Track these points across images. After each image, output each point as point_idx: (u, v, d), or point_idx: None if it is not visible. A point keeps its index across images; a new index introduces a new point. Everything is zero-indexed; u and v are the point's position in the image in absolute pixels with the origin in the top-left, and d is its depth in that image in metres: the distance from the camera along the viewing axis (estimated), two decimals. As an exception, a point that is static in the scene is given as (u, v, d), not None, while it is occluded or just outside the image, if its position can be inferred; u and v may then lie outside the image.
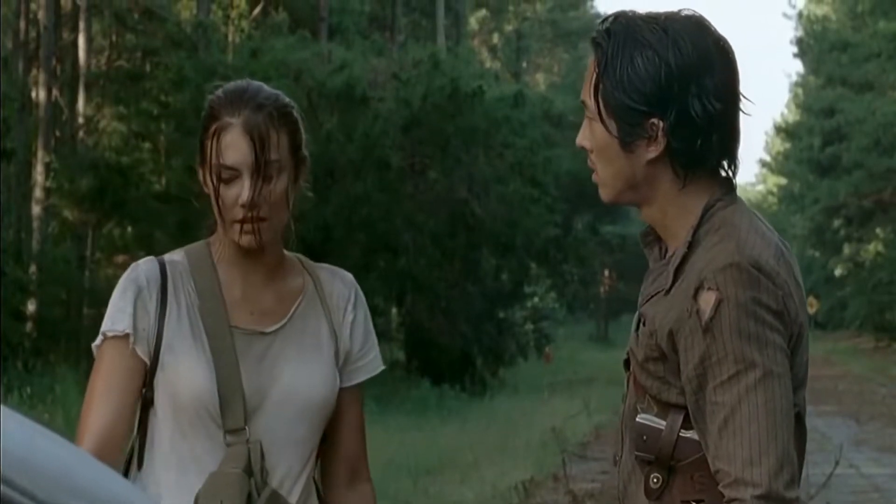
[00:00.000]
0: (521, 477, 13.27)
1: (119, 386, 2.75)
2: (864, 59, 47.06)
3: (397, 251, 26.90)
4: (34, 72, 27.84)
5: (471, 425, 19.10)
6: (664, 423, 2.38)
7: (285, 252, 2.87)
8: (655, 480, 2.39)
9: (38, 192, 25.98)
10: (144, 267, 2.80)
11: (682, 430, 2.37)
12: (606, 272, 55.01)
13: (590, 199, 37.89)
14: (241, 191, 2.72)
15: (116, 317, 2.76)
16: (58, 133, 28.10)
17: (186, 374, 2.73)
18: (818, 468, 11.64)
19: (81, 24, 27.92)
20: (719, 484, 2.31)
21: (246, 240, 2.75)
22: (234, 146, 2.72)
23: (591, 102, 2.42)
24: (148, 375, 2.76)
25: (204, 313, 2.77)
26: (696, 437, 2.36)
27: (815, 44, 54.93)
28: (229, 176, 2.72)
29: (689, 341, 2.32)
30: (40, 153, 26.07)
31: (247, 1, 31.94)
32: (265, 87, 2.80)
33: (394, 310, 32.64)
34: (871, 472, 14.47)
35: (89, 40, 28.23)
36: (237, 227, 2.74)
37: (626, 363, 2.48)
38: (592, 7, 68.44)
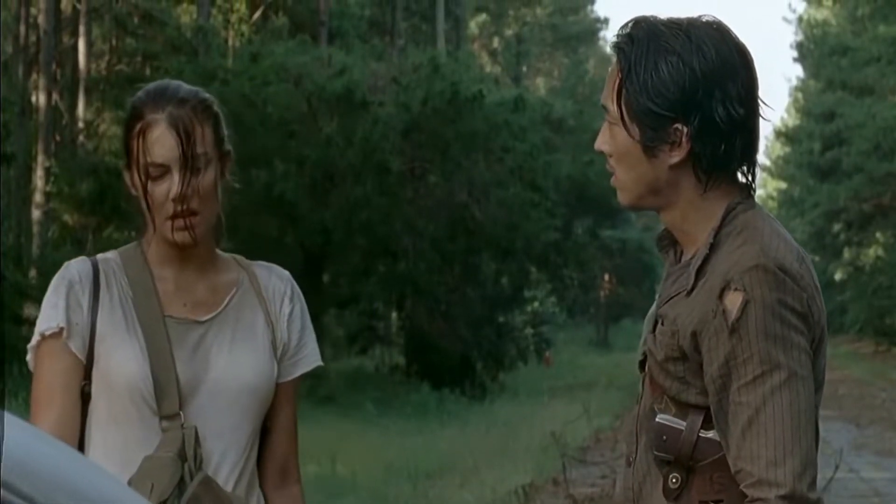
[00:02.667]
0: (521, 481, 13.27)
1: (60, 387, 2.77)
2: (863, 63, 47.07)
3: (397, 255, 26.92)
4: (34, 76, 27.86)
5: (471, 429, 19.10)
6: (684, 423, 2.40)
7: (220, 252, 2.88)
8: (674, 480, 2.41)
9: (38, 197, 25.99)
10: (76, 265, 2.82)
11: (702, 431, 2.39)
12: (606, 276, 54.95)
13: (590, 204, 37.95)
14: (171, 186, 2.73)
15: (50, 314, 2.78)
16: (58, 137, 28.12)
17: (120, 361, 2.74)
18: (818, 472, 11.63)
19: (81, 29, 27.94)
20: (741, 484, 2.33)
21: (180, 236, 2.76)
22: (160, 142, 2.74)
23: (612, 107, 2.43)
24: (85, 370, 2.77)
25: (137, 304, 2.79)
26: (715, 437, 2.37)
27: (815, 48, 54.96)
28: (158, 172, 2.74)
29: (713, 341, 2.34)
30: (40, 157, 26.08)
31: (247, 5, 31.97)
32: (185, 84, 2.83)
33: (394, 314, 32.66)
34: (870, 476, 14.46)
35: (89, 44, 28.25)
36: (169, 224, 2.76)
37: (641, 364, 2.50)
38: (592, 11, 68.55)
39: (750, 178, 2.46)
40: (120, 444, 2.74)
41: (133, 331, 2.77)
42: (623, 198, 2.49)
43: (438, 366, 27.69)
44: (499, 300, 31.40)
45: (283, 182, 24.64)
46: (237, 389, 2.78)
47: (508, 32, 59.57)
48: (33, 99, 27.19)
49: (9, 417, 1.52)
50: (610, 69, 2.48)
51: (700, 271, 2.39)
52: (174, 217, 2.75)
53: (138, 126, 2.75)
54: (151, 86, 2.82)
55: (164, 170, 2.74)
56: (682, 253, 2.50)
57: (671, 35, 2.39)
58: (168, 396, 2.73)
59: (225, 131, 2.82)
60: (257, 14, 32.20)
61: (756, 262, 2.33)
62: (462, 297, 28.72)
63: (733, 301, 2.32)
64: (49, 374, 2.78)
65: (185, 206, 2.74)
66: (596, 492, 13.18)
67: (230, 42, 31.06)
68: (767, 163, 72.66)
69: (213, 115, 2.80)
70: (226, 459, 2.77)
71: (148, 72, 29.11)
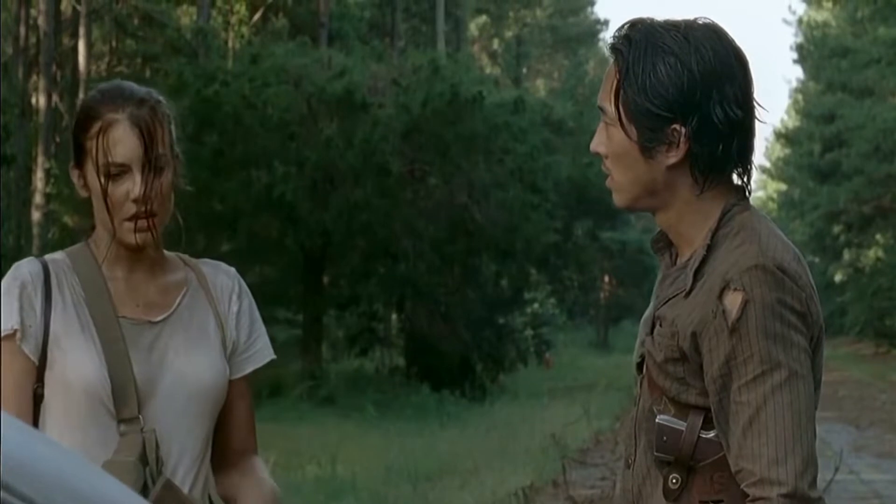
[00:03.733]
0: (521, 483, 13.27)
1: (14, 389, 2.73)
2: (863, 64, 47.11)
3: (397, 257, 26.90)
4: (34, 77, 27.87)
5: (471, 431, 19.09)
6: (684, 423, 2.41)
7: (165, 251, 2.86)
8: (675, 481, 2.42)
9: (38, 198, 26.00)
10: (26, 266, 2.79)
11: (703, 431, 2.40)
12: (606, 278, 54.96)
13: (589, 205, 37.94)
14: (132, 186, 2.71)
15: (3, 316, 2.72)
16: (58, 139, 28.12)
17: (76, 364, 2.70)
18: (818, 474, 11.62)
19: (81, 30, 27.94)
20: (742, 483, 2.34)
21: (141, 237, 2.74)
22: (122, 142, 2.71)
23: (610, 108, 2.44)
24: (38, 372, 2.73)
25: (90, 305, 2.75)
26: (716, 438, 2.38)
27: (815, 50, 54.99)
28: (118, 172, 2.71)
29: (713, 342, 2.35)
30: (40, 159, 26.09)
31: (247, 7, 31.98)
32: (136, 85, 2.79)
33: (393, 316, 32.64)
34: (870, 477, 14.46)
35: (89, 46, 28.25)
36: (128, 225, 2.73)
37: (639, 366, 2.50)
38: (592, 13, 68.55)
39: (746, 180, 2.46)
40: (76, 447, 2.69)
41: (88, 332, 2.73)
42: (619, 199, 2.49)
43: (438, 367, 27.68)
44: (499, 302, 31.39)
45: (283, 183, 24.63)
46: (193, 391, 2.76)
47: (508, 34, 59.59)
48: (33, 100, 27.20)
49: (8, 418, 1.52)
50: (607, 70, 2.49)
51: (698, 272, 2.40)
52: (135, 218, 2.72)
53: (97, 126, 2.72)
54: (105, 86, 2.80)
55: (125, 170, 2.71)
56: (677, 255, 2.51)
57: (669, 36, 2.40)
58: (127, 399, 2.70)
59: (175, 133, 2.79)
60: (257, 16, 32.21)
61: (755, 261, 2.33)
62: (462, 298, 28.70)
63: (733, 301, 2.32)
64: (2, 376, 2.73)
65: (147, 207, 2.71)
66: (596, 493, 13.18)
67: (230, 44, 31.07)
68: (767, 164, 72.72)
69: (168, 117, 2.77)
70: (182, 462, 2.75)
71: (148, 73, 29.14)
